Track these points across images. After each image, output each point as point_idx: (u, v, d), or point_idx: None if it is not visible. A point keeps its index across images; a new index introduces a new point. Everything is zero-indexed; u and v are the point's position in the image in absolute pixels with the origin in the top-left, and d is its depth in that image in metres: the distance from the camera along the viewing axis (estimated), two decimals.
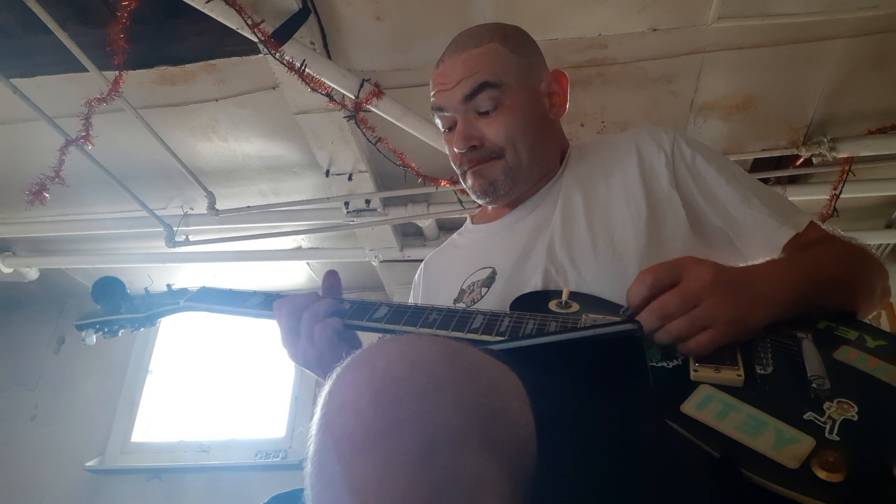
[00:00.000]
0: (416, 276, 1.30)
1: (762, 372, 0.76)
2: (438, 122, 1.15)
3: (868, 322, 0.88)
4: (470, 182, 1.13)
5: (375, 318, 0.95)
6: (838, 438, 0.65)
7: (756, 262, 0.96)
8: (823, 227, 1.02)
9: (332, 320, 0.94)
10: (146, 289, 1.27)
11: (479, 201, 1.16)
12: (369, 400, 0.51)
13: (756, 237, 1.01)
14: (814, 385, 0.71)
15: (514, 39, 1.13)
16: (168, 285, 1.25)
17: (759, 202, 1.01)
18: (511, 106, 1.08)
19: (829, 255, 0.94)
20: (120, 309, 1.25)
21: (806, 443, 0.64)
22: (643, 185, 1.06)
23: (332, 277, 1.03)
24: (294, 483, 0.79)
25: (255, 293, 1.10)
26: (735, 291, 0.80)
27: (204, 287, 1.18)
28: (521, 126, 1.09)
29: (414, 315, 0.94)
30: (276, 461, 3.53)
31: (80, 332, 1.27)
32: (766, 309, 0.82)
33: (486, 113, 1.08)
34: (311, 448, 0.52)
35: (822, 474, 0.60)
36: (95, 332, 1.27)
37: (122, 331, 1.27)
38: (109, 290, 1.27)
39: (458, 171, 1.16)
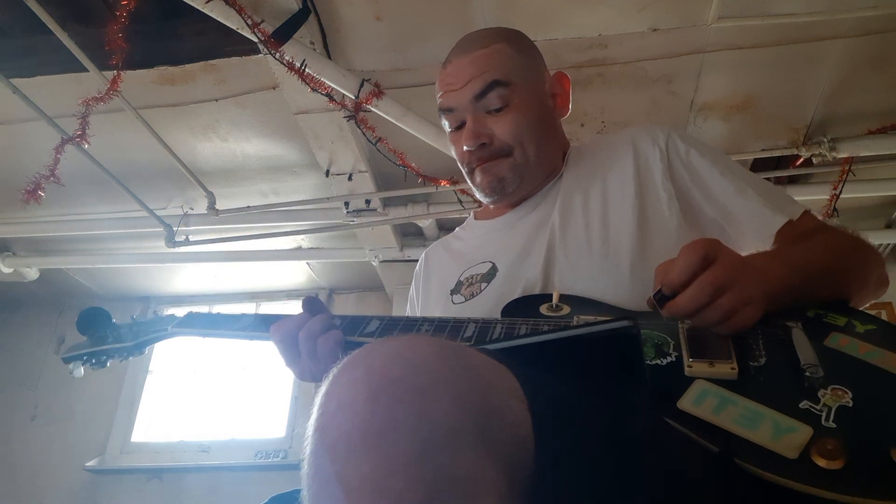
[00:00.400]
0: (418, 266, 1.31)
1: (755, 364, 0.76)
2: (446, 122, 1.15)
3: (857, 308, 0.88)
4: (478, 179, 1.13)
5: (367, 332, 0.95)
6: (835, 425, 0.65)
7: (748, 254, 0.96)
8: (819, 217, 1.02)
9: (332, 332, 0.93)
10: (132, 317, 1.26)
11: (486, 199, 1.16)
12: (365, 400, 0.51)
13: (750, 227, 1.01)
14: (807, 373, 0.71)
15: (517, 41, 1.15)
16: (154, 312, 1.24)
17: (753, 192, 1.02)
18: (519, 104, 1.09)
19: (822, 245, 0.94)
20: (107, 339, 1.23)
21: (804, 432, 0.64)
22: (637, 182, 1.07)
23: (311, 302, 1.02)
24: (294, 483, 0.79)
25: (243, 315, 1.10)
26: (752, 271, 0.81)
27: (190, 312, 1.18)
28: (530, 124, 1.10)
29: (405, 327, 0.94)
30: (276, 461, 3.53)
31: (68, 364, 1.24)
32: (766, 295, 0.82)
33: (496, 111, 1.09)
34: (307, 449, 0.52)
35: (821, 462, 0.60)
36: (83, 364, 1.24)
37: (111, 361, 1.24)
38: (95, 320, 1.24)
39: (464, 170, 1.16)
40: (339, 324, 0.97)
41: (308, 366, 0.95)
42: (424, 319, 0.94)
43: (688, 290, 0.77)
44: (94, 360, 1.24)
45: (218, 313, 1.14)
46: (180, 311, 1.21)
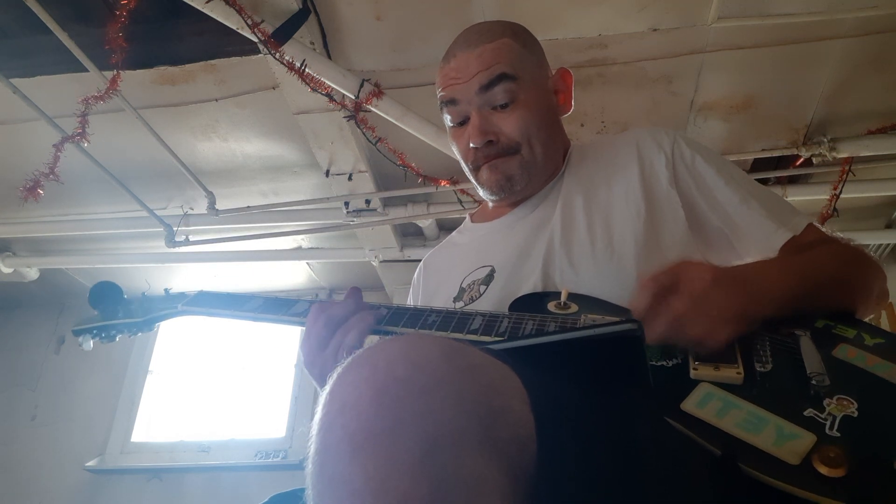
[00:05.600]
0: (416, 275, 1.29)
1: (761, 369, 0.76)
2: (447, 116, 1.12)
3: (866, 321, 0.88)
4: (485, 176, 1.11)
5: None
6: (839, 434, 0.65)
7: (753, 262, 0.96)
8: (822, 229, 1.02)
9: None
10: (143, 293, 1.26)
11: (491, 197, 1.15)
12: (370, 400, 0.51)
13: (754, 239, 1.01)
14: (813, 382, 0.71)
15: (523, 36, 1.13)
16: (166, 289, 1.24)
17: (757, 204, 1.02)
18: (526, 101, 1.07)
19: (826, 255, 0.94)
20: (117, 314, 1.24)
21: (807, 439, 0.65)
22: (643, 186, 1.06)
23: (356, 295, 0.98)
24: (294, 483, 0.79)
25: (253, 296, 1.10)
26: (731, 286, 0.81)
27: (201, 291, 1.17)
28: (537, 121, 1.08)
29: (413, 317, 0.94)
30: (276, 461, 3.53)
31: (77, 337, 1.25)
32: (761, 305, 0.82)
33: (501, 108, 1.07)
34: (311, 448, 0.52)
35: (823, 470, 0.60)
36: (93, 338, 1.25)
37: (120, 336, 1.25)
38: (106, 294, 1.25)
39: (468, 167, 1.14)
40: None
41: (324, 359, 0.91)
42: (432, 310, 0.94)
43: (652, 326, 0.79)
44: (103, 334, 1.25)
45: (228, 293, 1.13)
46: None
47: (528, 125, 1.07)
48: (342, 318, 0.93)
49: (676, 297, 0.79)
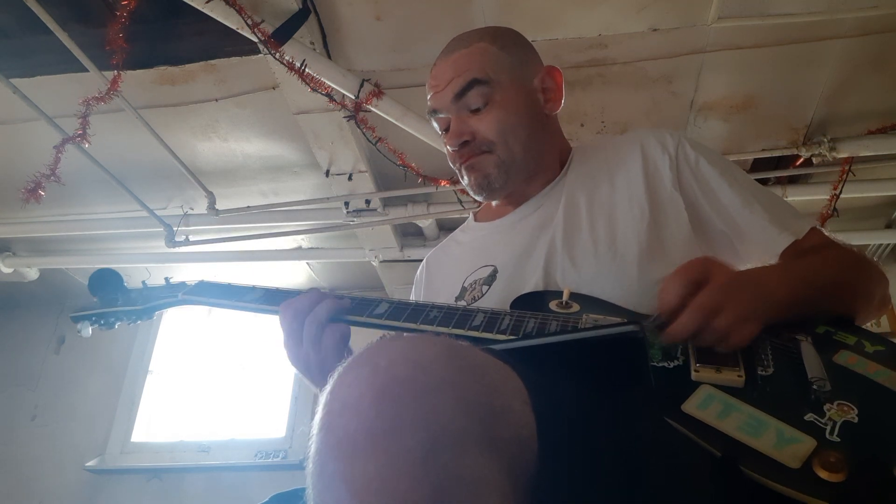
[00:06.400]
0: (418, 272, 1.30)
1: (763, 373, 0.76)
2: (435, 125, 1.16)
3: (866, 328, 0.88)
4: (465, 178, 1.14)
5: (376, 314, 0.95)
6: (839, 440, 0.65)
7: (754, 267, 0.97)
8: (825, 232, 1.02)
9: (340, 326, 0.93)
10: (143, 282, 1.26)
11: (477, 197, 1.17)
12: (371, 400, 0.51)
13: (756, 242, 1.01)
14: (814, 386, 0.72)
15: (503, 39, 1.14)
16: (166, 279, 1.24)
17: (760, 207, 1.02)
18: (502, 101, 1.09)
19: (828, 260, 0.95)
20: (117, 301, 1.24)
21: (807, 443, 0.65)
22: (646, 187, 1.06)
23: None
24: (294, 483, 0.79)
25: (253, 288, 1.11)
26: (747, 287, 0.82)
27: (202, 281, 1.18)
28: (513, 121, 1.10)
29: (414, 312, 0.94)
30: (276, 461, 3.53)
31: (76, 323, 1.25)
32: (766, 308, 0.82)
33: (478, 110, 1.09)
34: (312, 448, 0.52)
35: (823, 474, 0.61)
36: (91, 324, 1.25)
37: (119, 323, 1.25)
38: (106, 282, 1.25)
39: (455, 170, 1.17)
40: (349, 304, 0.97)
41: (305, 351, 0.93)
42: (434, 305, 0.94)
43: (680, 317, 0.79)
44: (102, 321, 1.25)
45: (228, 284, 1.14)
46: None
47: (503, 125, 1.09)
48: (307, 308, 0.94)
49: (706, 291, 0.79)
